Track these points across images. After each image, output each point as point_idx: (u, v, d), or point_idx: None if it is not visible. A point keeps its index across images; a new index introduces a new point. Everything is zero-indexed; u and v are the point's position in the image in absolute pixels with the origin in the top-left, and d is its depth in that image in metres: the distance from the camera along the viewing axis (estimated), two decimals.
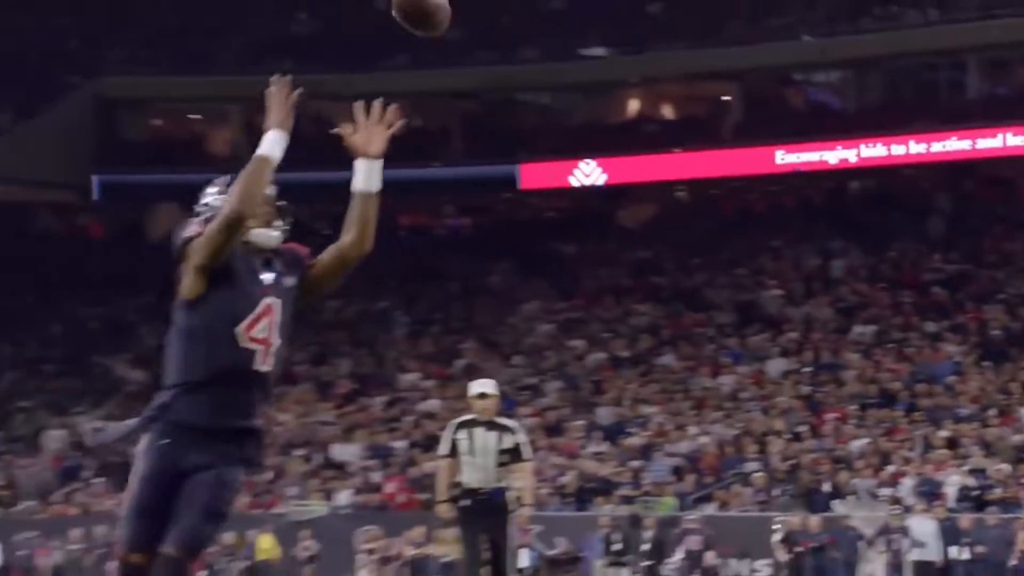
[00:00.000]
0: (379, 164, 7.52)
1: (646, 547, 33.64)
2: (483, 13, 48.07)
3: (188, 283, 7.25)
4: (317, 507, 38.57)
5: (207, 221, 7.27)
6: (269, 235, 7.38)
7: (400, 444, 40.38)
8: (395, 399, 43.14)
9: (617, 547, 33.59)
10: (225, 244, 7.15)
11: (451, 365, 43.78)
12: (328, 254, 7.52)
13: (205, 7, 50.11)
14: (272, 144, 7.27)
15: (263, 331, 7.26)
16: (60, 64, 50.14)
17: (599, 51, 49.22)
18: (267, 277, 7.34)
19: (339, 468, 40.15)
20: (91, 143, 49.31)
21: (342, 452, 40.84)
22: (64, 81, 50.05)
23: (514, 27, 50.37)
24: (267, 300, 7.30)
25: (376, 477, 39.52)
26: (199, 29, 50.61)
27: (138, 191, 49.66)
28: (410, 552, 35.64)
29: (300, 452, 40.99)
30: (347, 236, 7.50)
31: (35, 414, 44.48)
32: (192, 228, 7.28)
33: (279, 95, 7.30)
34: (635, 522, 34.36)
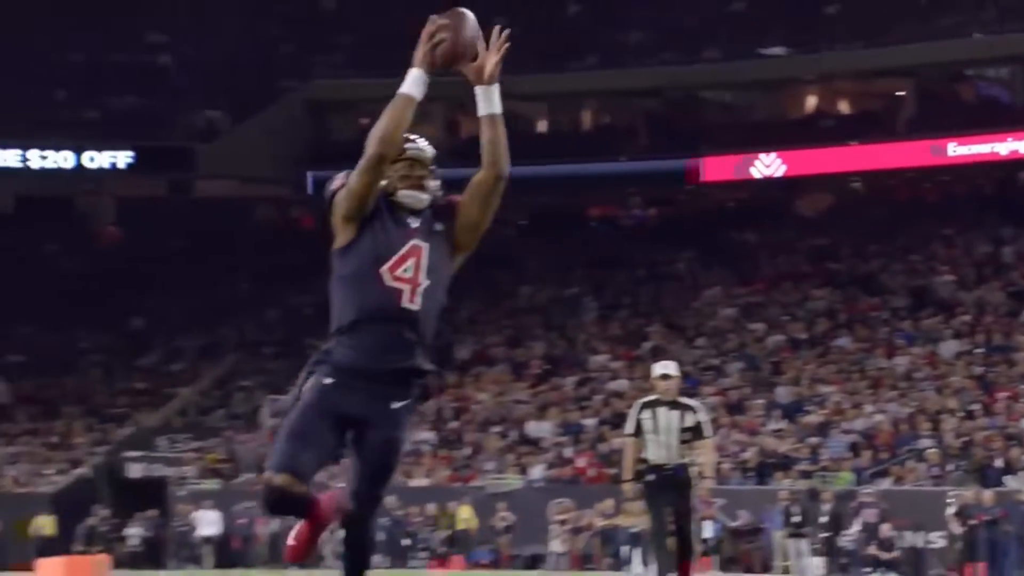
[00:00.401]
0: (495, 88, 7.23)
1: (824, 519, 33.66)
2: (667, 16, 48.73)
3: (338, 233, 7.22)
4: (513, 480, 39.03)
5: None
6: (418, 196, 7.27)
7: (590, 421, 40.58)
8: (585, 379, 43.27)
9: (796, 519, 33.25)
10: (368, 187, 7.13)
11: (638, 347, 43.85)
12: (469, 186, 7.34)
13: (407, 15, 50.95)
14: (412, 82, 7.17)
15: (408, 271, 7.13)
16: (274, 70, 51.18)
17: (778, 50, 49.24)
18: (412, 220, 7.23)
19: (533, 444, 40.49)
20: (304, 142, 49.92)
21: (536, 429, 41.11)
22: (278, 86, 50.98)
23: (696, 29, 50.47)
24: (413, 242, 7.18)
25: (568, 452, 39.74)
26: (402, 35, 51.43)
27: None
28: (600, 523, 36.04)
29: (497, 429, 41.38)
30: (483, 163, 7.30)
31: (253, 393, 45.20)
32: (337, 181, 7.24)
33: (423, 34, 7.15)
34: (813, 496, 34.45)
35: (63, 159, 48.16)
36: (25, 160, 48.27)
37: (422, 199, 7.28)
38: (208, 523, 39.36)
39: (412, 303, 7.13)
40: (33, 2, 49.70)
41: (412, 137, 7.36)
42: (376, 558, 7.43)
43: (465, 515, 37.65)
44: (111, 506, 40.43)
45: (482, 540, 37.64)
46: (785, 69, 50.04)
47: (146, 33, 52.66)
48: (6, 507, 39.91)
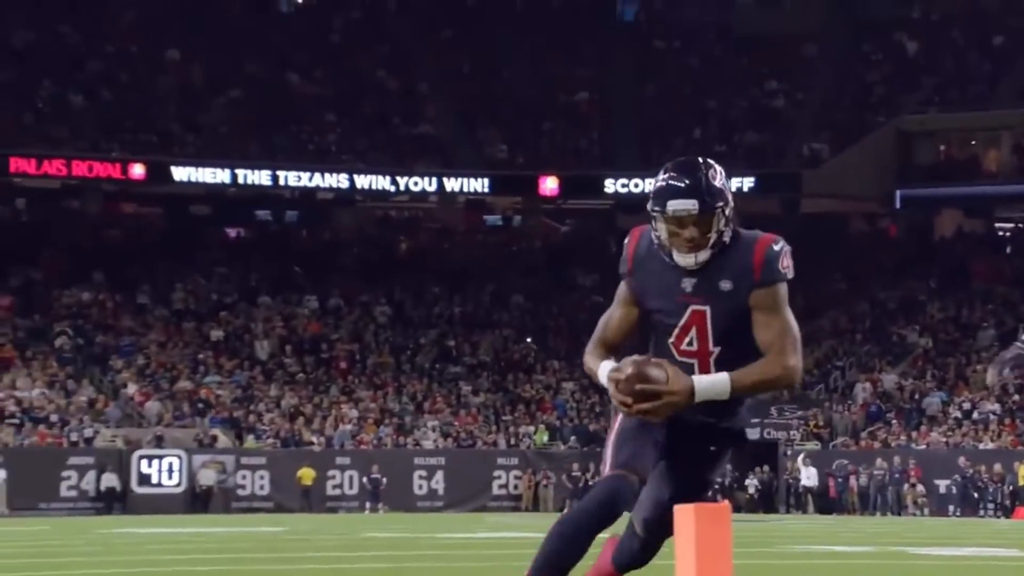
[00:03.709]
0: (709, 391, 5.19)
1: None
2: None
3: None
4: None
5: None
6: (686, 259, 5.25)
7: None
8: None
9: None
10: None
11: None
12: (760, 342, 5.27)
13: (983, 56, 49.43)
14: (602, 378, 5.30)
15: (691, 343, 5.34)
16: (867, 107, 50.65)
17: None
18: (688, 283, 5.33)
19: None
20: (893, 166, 48.98)
21: None
22: (871, 120, 50.25)
23: None
24: (693, 308, 5.34)
25: None
26: (979, 76, 49.99)
27: (928, 200, 49.54)
28: None
29: None
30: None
31: (847, 372, 44.40)
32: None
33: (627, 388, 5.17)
34: None
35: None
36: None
37: (688, 261, 5.28)
38: (808, 477, 39.07)
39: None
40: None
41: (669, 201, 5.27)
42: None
43: None
44: (732, 463, 40.59)
45: None
46: None
47: (765, 81, 52.93)
48: None
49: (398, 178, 48.39)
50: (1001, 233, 51.49)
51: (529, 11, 54.49)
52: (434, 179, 48.85)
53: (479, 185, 49.35)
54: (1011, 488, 36.02)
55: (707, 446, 5.53)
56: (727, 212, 5.29)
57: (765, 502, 39.46)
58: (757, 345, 5.28)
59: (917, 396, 41.93)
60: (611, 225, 48.97)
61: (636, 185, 47.45)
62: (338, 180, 48.23)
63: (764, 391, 5.33)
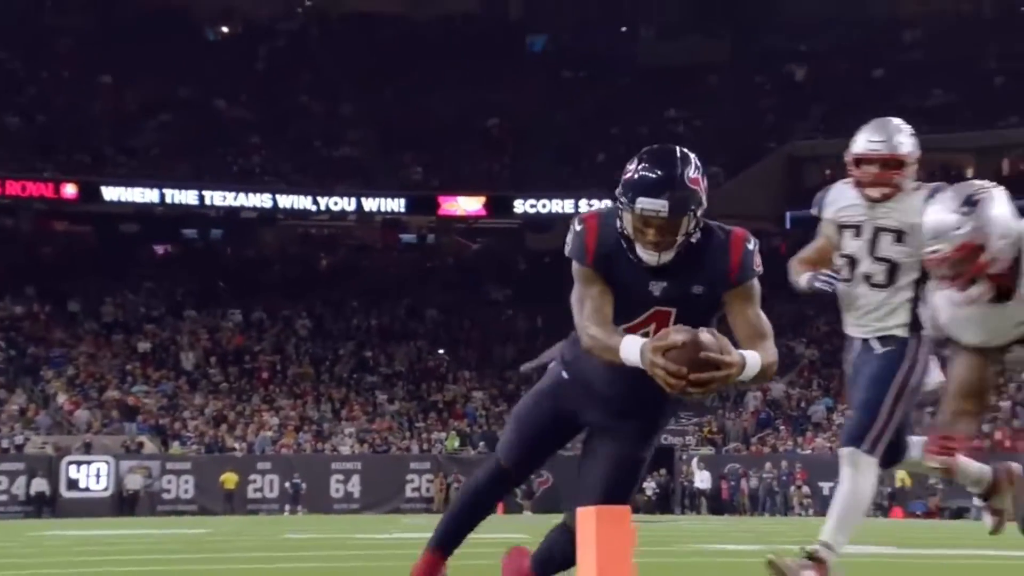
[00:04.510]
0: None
1: None
2: None
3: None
4: None
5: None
6: (648, 256, 4.81)
7: (1005, 403, 38.43)
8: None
9: None
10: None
11: None
12: (735, 330, 4.98)
13: (863, 87, 50.15)
14: (631, 352, 4.73)
15: (647, 334, 4.88)
16: (761, 134, 51.02)
17: None
18: (656, 287, 4.89)
19: None
20: (783, 188, 49.57)
21: None
22: (764, 146, 50.72)
23: None
24: (656, 308, 4.94)
25: (985, 428, 37.29)
26: (862, 106, 50.62)
27: (816, 221, 50.02)
28: None
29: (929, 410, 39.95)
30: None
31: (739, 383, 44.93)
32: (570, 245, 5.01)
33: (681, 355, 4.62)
34: None
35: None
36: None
37: (651, 258, 4.82)
38: (703, 480, 39.30)
39: None
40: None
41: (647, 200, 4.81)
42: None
43: (901, 475, 35.97)
44: None
45: (916, 495, 36.38)
46: None
47: (666, 110, 53.30)
48: None
49: (319, 198, 48.43)
50: None
51: (446, 43, 54.56)
52: (353, 199, 48.92)
53: (395, 205, 49.59)
54: (889, 490, 36.42)
55: (636, 449, 5.27)
56: (699, 213, 4.84)
57: (662, 504, 39.53)
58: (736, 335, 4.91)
59: (803, 404, 42.37)
60: (520, 244, 49.15)
61: (544, 206, 47.70)
62: (262, 200, 48.19)
63: (768, 378, 4.93)
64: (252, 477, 38.29)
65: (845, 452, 6.53)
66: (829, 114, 50.97)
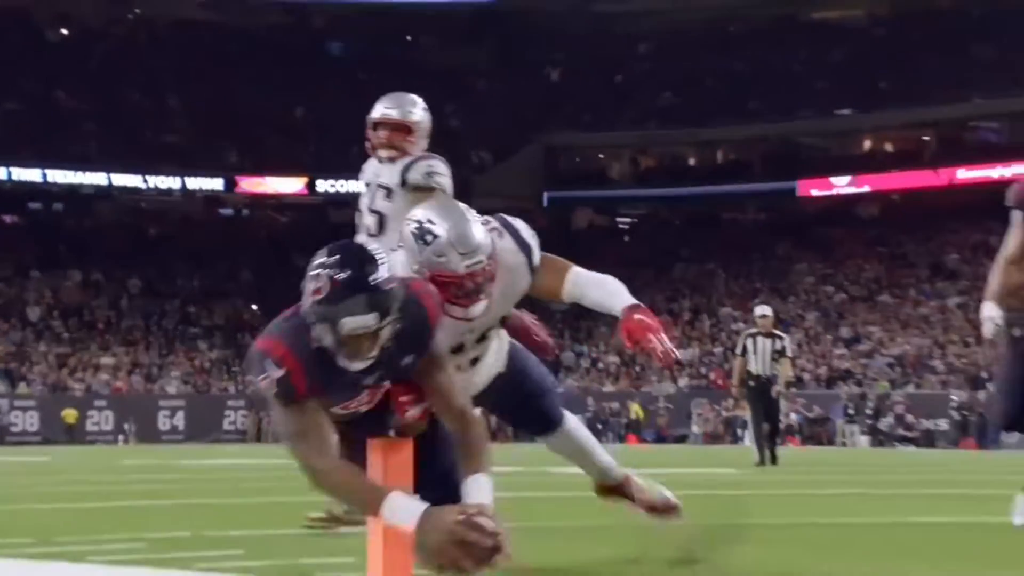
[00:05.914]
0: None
1: (869, 411, 33.14)
2: (775, 91, 46.92)
3: None
4: (670, 387, 38.50)
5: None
6: (351, 365, 3.67)
7: (719, 349, 39.71)
8: (717, 322, 42.24)
9: (851, 412, 33.17)
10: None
11: (750, 301, 43.03)
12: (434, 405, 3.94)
13: (612, 85, 50.90)
14: (397, 516, 3.61)
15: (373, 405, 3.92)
16: (524, 127, 51.02)
17: (846, 111, 47.82)
18: (369, 379, 3.80)
19: (682, 365, 39.43)
20: (541, 173, 50.12)
21: (685, 355, 39.60)
22: (526, 137, 50.86)
23: (792, 98, 49.11)
24: (371, 392, 3.87)
25: (703, 370, 39.20)
26: (606, 105, 51.47)
27: (568, 200, 50.86)
28: (724, 414, 35.71)
29: None
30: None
31: None
32: (267, 382, 3.71)
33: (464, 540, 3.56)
34: (863, 397, 33.85)
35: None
36: None
37: (356, 366, 3.70)
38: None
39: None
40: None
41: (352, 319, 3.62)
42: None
43: (636, 408, 37.34)
44: None
45: (647, 425, 37.11)
46: (850, 123, 48.19)
47: (443, 106, 53.15)
48: None
49: (148, 177, 47.45)
50: (622, 226, 53.36)
51: (260, 46, 53.75)
52: (178, 179, 48.06)
53: (215, 184, 48.80)
54: (625, 421, 37.17)
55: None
56: (398, 314, 3.67)
57: None
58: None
59: (557, 351, 42.98)
60: (323, 218, 48.76)
61: (342, 185, 47.58)
62: (97, 179, 47.06)
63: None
64: (90, 413, 37.38)
65: None
66: (580, 110, 51.64)
